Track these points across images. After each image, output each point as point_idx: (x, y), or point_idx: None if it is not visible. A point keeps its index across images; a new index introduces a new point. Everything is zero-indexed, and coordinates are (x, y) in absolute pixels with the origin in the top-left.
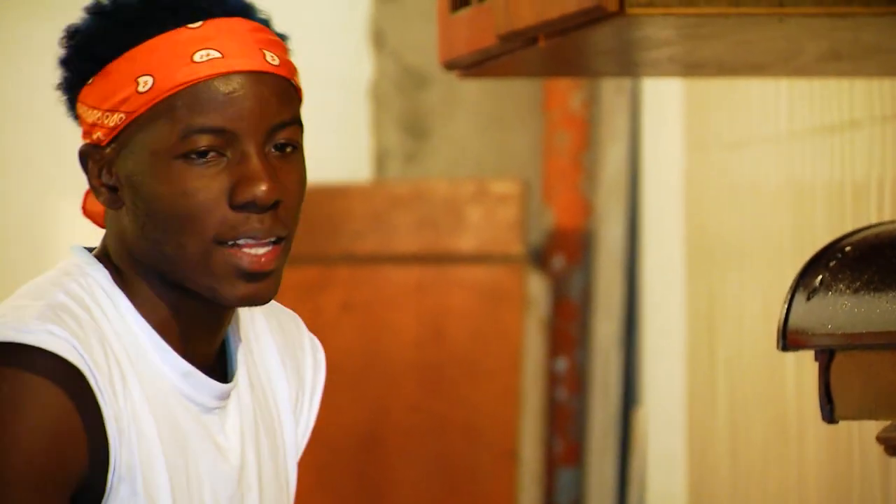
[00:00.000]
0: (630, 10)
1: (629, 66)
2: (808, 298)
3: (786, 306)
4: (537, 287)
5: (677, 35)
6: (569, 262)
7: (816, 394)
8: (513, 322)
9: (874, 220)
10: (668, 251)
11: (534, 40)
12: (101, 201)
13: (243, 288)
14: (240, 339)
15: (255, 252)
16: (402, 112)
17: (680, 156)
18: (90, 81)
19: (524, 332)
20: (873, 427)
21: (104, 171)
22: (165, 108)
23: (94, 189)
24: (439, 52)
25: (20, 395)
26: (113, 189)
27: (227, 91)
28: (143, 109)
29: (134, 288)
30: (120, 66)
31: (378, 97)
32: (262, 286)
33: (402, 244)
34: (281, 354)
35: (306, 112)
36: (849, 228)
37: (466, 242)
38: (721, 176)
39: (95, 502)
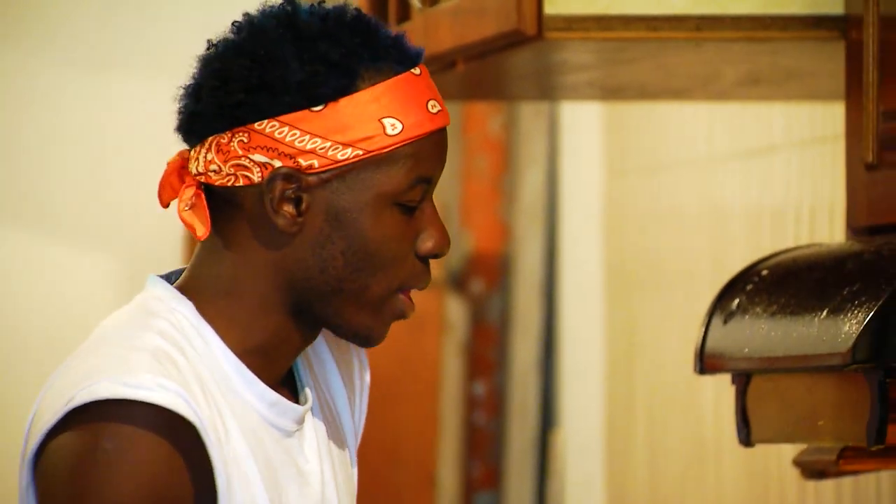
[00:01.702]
0: (548, 35)
1: (548, 90)
2: (726, 322)
3: (703, 330)
4: (456, 311)
5: (596, 59)
6: (487, 286)
7: (734, 417)
8: (432, 346)
9: (791, 244)
10: (587, 275)
11: (452, 64)
12: (279, 223)
13: (387, 330)
14: (303, 358)
15: (413, 300)
16: None
17: (598, 180)
18: (318, 109)
19: (443, 355)
20: (790, 450)
21: (297, 196)
22: (404, 154)
23: (273, 209)
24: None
25: (135, 452)
26: (296, 214)
27: (441, 144)
28: (381, 152)
29: (224, 315)
30: (360, 102)
31: None
32: None
33: None
34: (337, 363)
35: None
36: (767, 252)
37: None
38: (640, 200)
39: None
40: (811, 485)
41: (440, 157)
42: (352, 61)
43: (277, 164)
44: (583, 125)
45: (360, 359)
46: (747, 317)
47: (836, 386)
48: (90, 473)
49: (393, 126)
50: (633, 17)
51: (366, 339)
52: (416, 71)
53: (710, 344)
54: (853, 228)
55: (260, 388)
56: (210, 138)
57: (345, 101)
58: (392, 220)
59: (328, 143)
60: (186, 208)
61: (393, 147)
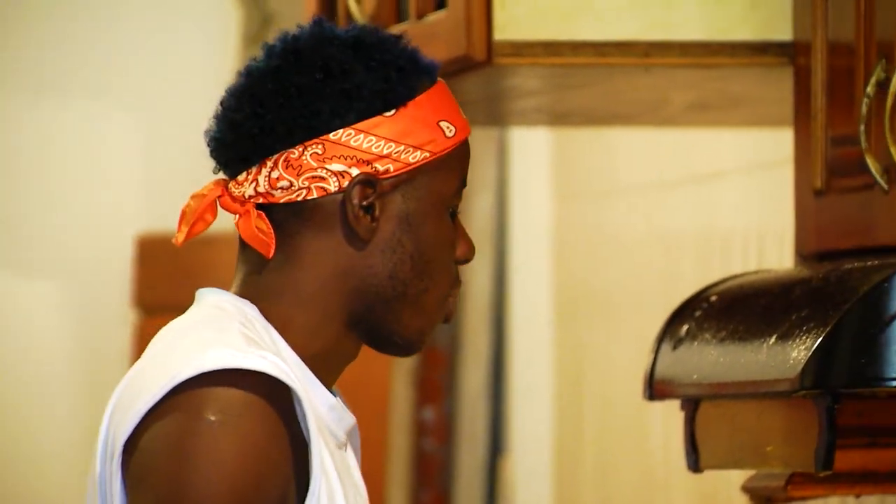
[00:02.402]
0: (497, 60)
1: (497, 116)
2: (675, 348)
3: (652, 356)
4: None
5: (545, 85)
6: None
7: (682, 443)
8: (380, 371)
9: (740, 270)
10: (536, 300)
11: None
12: (359, 229)
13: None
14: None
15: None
16: None
17: (548, 205)
18: (391, 114)
19: (392, 381)
20: (739, 476)
21: (372, 202)
22: (453, 157)
23: (354, 216)
24: None
25: (243, 421)
26: (370, 220)
27: (469, 150)
28: (443, 153)
29: (287, 321)
30: (422, 106)
31: None
32: None
33: None
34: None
35: (173, 160)
36: (716, 278)
37: None
38: (589, 226)
39: None
40: None
41: (468, 163)
42: (410, 66)
43: (355, 171)
44: (532, 151)
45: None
46: (696, 343)
47: (784, 412)
48: (195, 445)
49: (448, 128)
50: (582, 42)
51: (413, 346)
52: (442, 81)
53: (659, 370)
54: (801, 254)
55: (322, 388)
56: (275, 157)
57: (411, 105)
58: (447, 224)
59: (401, 147)
60: (255, 228)
61: (451, 149)
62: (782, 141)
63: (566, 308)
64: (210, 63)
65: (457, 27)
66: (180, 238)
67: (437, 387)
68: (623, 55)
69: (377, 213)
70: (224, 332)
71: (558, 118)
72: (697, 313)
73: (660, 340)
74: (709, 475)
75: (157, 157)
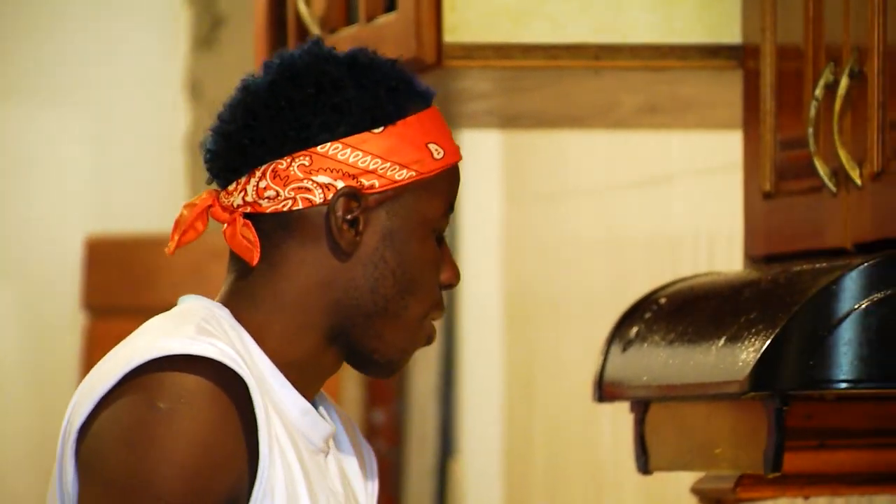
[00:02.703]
0: (448, 63)
1: (448, 118)
2: (624, 350)
3: (602, 358)
4: None
5: (495, 87)
6: None
7: (632, 445)
8: None
9: (690, 273)
10: (486, 303)
11: None
12: (342, 241)
13: (409, 360)
14: (321, 403)
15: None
16: None
17: (498, 208)
18: (378, 131)
19: (342, 383)
20: (688, 478)
21: (356, 216)
22: (441, 179)
23: (337, 228)
24: None
25: (192, 408)
26: (354, 234)
27: (459, 176)
28: (430, 174)
29: (262, 328)
30: (411, 125)
31: (195, 148)
32: None
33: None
34: (344, 424)
35: (123, 163)
36: (665, 280)
37: None
38: (539, 228)
39: None
40: None
41: (458, 188)
42: (402, 88)
43: (340, 184)
44: (482, 154)
45: (366, 445)
46: (646, 345)
47: (733, 414)
48: (145, 432)
49: (437, 151)
50: (533, 45)
51: (393, 365)
52: (434, 106)
53: (608, 372)
54: (751, 257)
55: (294, 393)
56: (263, 167)
57: (400, 125)
58: (431, 246)
59: (388, 164)
60: (241, 236)
61: (438, 171)
62: (732, 144)
63: (516, 310)
64: (160, 65)
65: (407, 29)
66: (172, 246)
67: (387, 389)
68: (573, 58)
69: (361, 227)
70: (182, 325)
71: (509, 121)
72: (647, 315)
73: (609, 342)
74: (658, 477)
75: (106, 159)
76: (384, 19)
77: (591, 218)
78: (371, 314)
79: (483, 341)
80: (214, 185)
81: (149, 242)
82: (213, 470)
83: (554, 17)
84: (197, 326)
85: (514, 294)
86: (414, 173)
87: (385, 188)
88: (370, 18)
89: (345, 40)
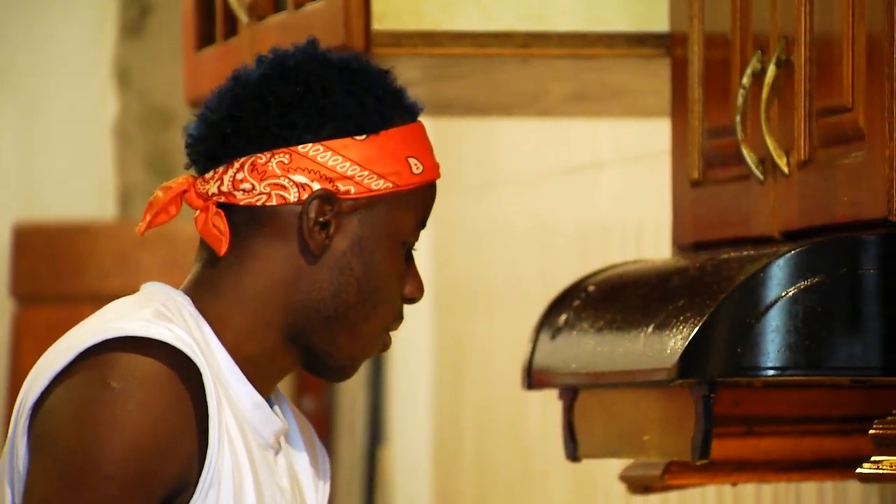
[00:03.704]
0: (376, 50)
1: None
2: (553, 338)
3: (531, 345)
4: None
5: (424, 75)
6: None
7: (561, 432)
8: None
9: (618, 260)
10: None
11: None
12: (311, 243)
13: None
14: (277, 403)
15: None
16: (148, 150)
17: None
18: (361, 138)
19: None
20: (617, 465)
21: (328, 219)
22: (416, 195)
23: (308, 230)
24: (185, 91)
25: (143, 390)
26: (324, 237)
27: (435, 194)
28: (406, 188)
29: (222, 319)
30: (394, 138)
31: (123, 135)
32: None
33: None
34: (301, 426)
35: (50, 150)
36: (594, 268)
37: None
38: (468, 216)
39: None
40: (637, 499)
41: (432, 206)
42: (389, 99)
43: (317, 186)
44: None
45: (321, 448)
46: (574, 332)
47: (661, 401)
48: (96, 411)
49: (416, 166)
50: (461, 33)
51: (344, 371)
52: (418, 122)
53: (537, 359)
54: (679, 244)
55: (248, 386)
56: (243, 159)
57: (383, 135)
58: (398, 258)
59: (366, 172)
60: (211, 225)
61: (415, 186)
62: (660, 132)
63: (445, 298)
64: (88, 53)
65: (335, 17)
66: (142, 227)
67: (316, 378)
68: (502, 46)
69: (332, 231)
70: (141, 309)
71: (438, 109)
72: (576, 303)
73: (538, 330)
74: (587, 464)
75: (33, 147)
76: (312, 6)
77: (520, 206)
78: (330, 318)
79: (412, 329)
80: (192, 171)
81: (77, 230)
82: (161, 452)
83: (482, 5)
84: (155, 311)
85: (443, 282)
86: (391, 185)
87: (360, 196)
88: (298, 6)
89: (272, 28)
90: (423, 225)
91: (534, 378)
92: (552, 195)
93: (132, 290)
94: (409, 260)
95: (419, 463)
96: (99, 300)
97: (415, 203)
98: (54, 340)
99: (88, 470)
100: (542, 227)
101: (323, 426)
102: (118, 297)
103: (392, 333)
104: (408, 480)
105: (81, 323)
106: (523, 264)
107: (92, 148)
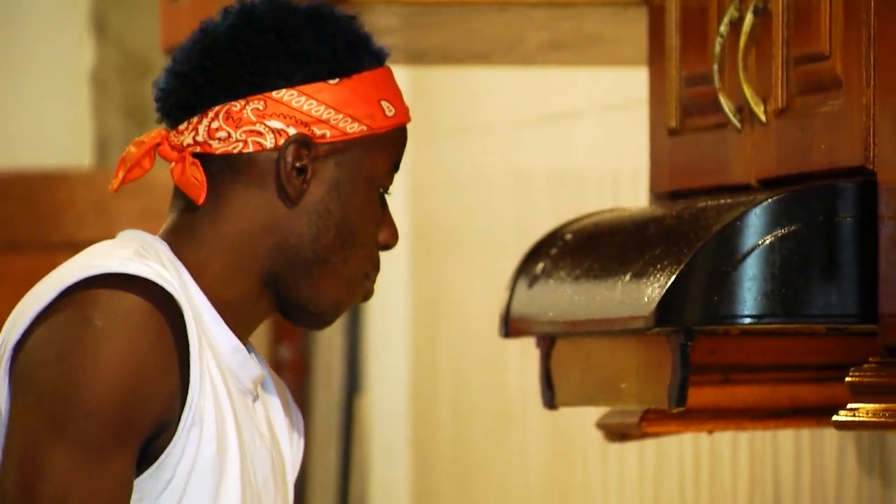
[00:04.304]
0: None
1: None
2: (530, 286)
3: (508, 294)
4: None
5: (401, 23)
6: None
7: (538, 381)
8: None
9: (595, 209)
10: None
11: None
12: (289, 188)
13: (342, 313)
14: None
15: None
16: (125, 99)
17: None
18: (334, 82)
19: None
20: (594, 413)
21: (305, 164)
22: (389, 138)
23: (285, 175)
24: (161, 39)
25: (126, 327)
26: (301, 182)
27: (406, 137)
28: (380, 131)
29: (200, 264)
30: (366, 81)
31: (100, 83)
32: None
33: None
34: (276, 385)
35: (27, 99)
36: (571, 217)
37: None
38: (445, 165)
39: (163, 446)
40: (614, 447)
41: (404, 150)
42: (359, 43)
43: (292, 130)
44: None
45: (295, 408)
46: (551, 281)
47: (638, 349)
48: (79, 348)
49: (388, 109)
50: None
51: (325, 317)
52: (387, 66)
53: (514, 308)
54: (656, 193)
55: (227, 331)
56: (217, 108)
57: (356, 79)
58: (374, 203)
59: (340, 116)
60: (190, 176)
61: (389, 128)
62: (637, 80)
63: (423, 247)
64: (64, 2)
65: None
66: (115, 183)
67: (293, 325)
68: None
69: (309, 175)
70: (120, 249)
71: (415, 57)
72: (553, 251)
73: (515, 278)
74: (564, 412)
75: (10, 95)
76: None
77: (497, 154)
78: (310, 263)
79: (390, 277)
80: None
81: (53, 178)
82: (144, 389)
83: None
84: (135, 251)
85: (420, 231)
86: (365, 128)
87: (336, 139)
88: None
89: None
90: (396, 169)
91: (511, 326)
92: (529, 144)
93: (109, 237)
94: (384, 206)
95: (396, 411)
96: (76, 248)
97: (388, 146)
98: (31, 288)
99: (72, 407)
100: (519, 175)
101: (300, 375)
102: (94, 244)
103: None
104: (385, 429)
105: (61, 265)
106: (500, 213)
107: (69, 96)
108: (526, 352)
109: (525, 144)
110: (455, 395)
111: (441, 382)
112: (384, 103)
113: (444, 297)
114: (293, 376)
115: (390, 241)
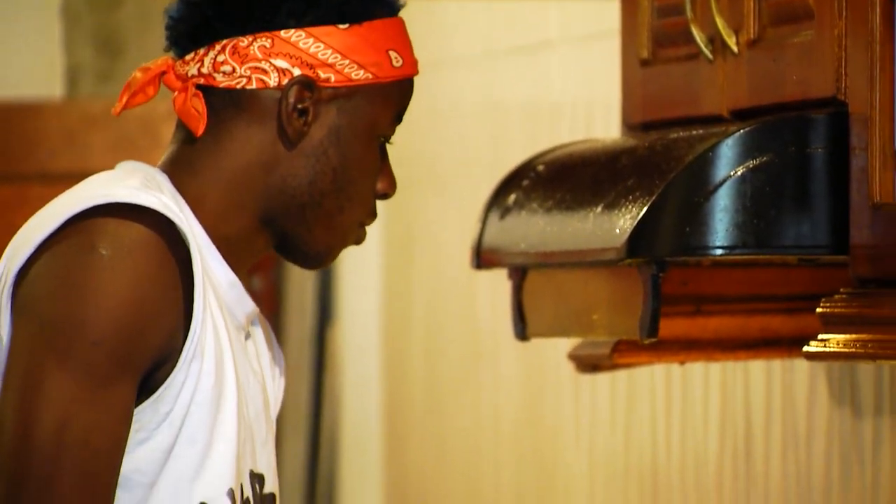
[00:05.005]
0: None
1: None
2: (502, 217)
3: (480, 225)
4: None
5: None
6: None
7: (510, 312)
8: None
9: (567, 140)
10: None
11: None
12: (289, 129)
13: (337, 257)
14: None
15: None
16: (95, 29)
17: None
18: (344, 27)
19: None
20: (566, 344)
21: (307, 106)
22: (395, 89)
23: (286, 115)
24: None
25: (133, 256)
26: (302, 123)
27: (412, 90)
28: (386, 81)
29: (199, 198)
30: (376, 29)
31: (70, 13)
32: None
33: (97, 163)
34: (262, 325)
35: None
36: (544, 148)
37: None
38: (418, 96)
39: (164, 378)
40: (586, 378)
41: (409, 101)
42: None
43: (297, 71)
44: None
45: (278, 348)
46: (523, 212)
47: (610, 281)
48: (84, 277)
49: (396, 59)
50: None
51: (319, 259)
52: (398, 17)
53: (486, 239)
54: (628, 124)
55: (224, 266)
56: (224, 41)
57: (366, 26)
58: (374, 151)
59: (346, 61)
60: (191, 107)
61: (395, 79)
62: (609, 11)
63: (396, 178)
64: None
65: None
66: (118, 107)
67: (265, 256)
68: None
69: (310, 118)
70: (126, 179)
71: None
72: (525, 183)
73: (487, 210)
74: (535, 343)
75: None
76: None
77: (470, 85)
78: (305, 206)
79: None
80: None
81: (24, 109)
82: (148, 319)
83: None
84: (141, 181)
85: (393, 162)
86: (371, 76)
87: (340, 84)
88: None
89: None
90: (399, 119)
91: (483, 258)
92: (502, 74)
93: (81, 169)
94: (384, 156)
95: (368, 342)
96: (47, 179)
97: (393, 97)
98: (4, 219)
99: (76, 336)
100: (492, 106)
101: (272, 305)
102: (67, 176)
103: None
104: (357, 360)
105: (63, 194)
106: (473, 144)
107: (39, 28)
108: (498, 283)
109: (498, 75)
110: (427, 325)
111: (413, 313)
112: (392, 53)
113: (416, 227)
114: (266, 307)
115: (388, 191)
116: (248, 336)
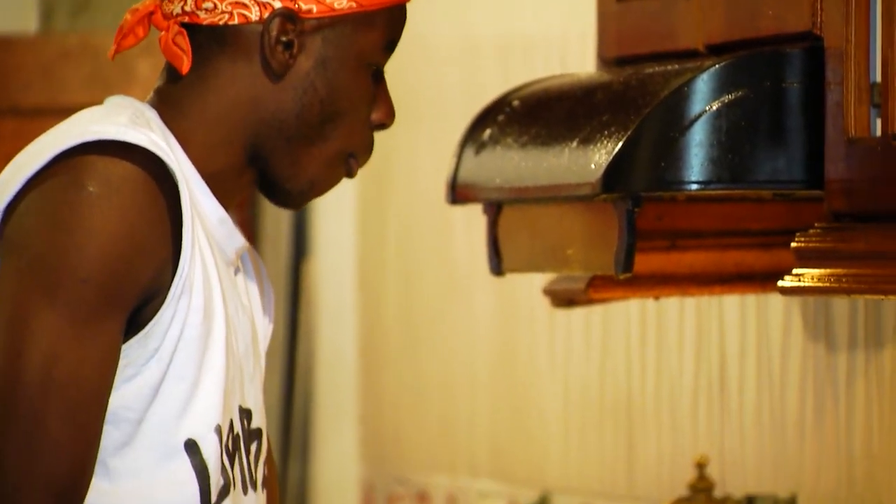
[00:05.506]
0: None
1: None
2: (477, 153)
3: (455, 161)
4: None
5: None
6: None
7: (485, 247)
8: None
9: (543, 75)
10: None
11: None
12: (273, 62)
13: (322, 193)
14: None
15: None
16: None
17: None
18: None
19: None
20: (541, 279)
21: (291, 38)
22: (382, 16)
23: (270, 48)
24: None
25: (121, 194)
26: (287, 56)
27: (405, 16)
28: (370, 9)
29: (187, 133)
30: None
31: None
32: None
33: (71, 98)
34: (252, 260)
35: None
36: (518, 83)
37: (137, 96)
38: None
39: (152, 314)
40: (561, 313)
41: (402, 29)
42: None
43: (278, 4)
44: None
45: (268, 283)
46: (499, 147)
47: (585, 216)
48: (72, 214)
49: None
50: None
51: (301, 196)
52: None
53: (461, 174)
54: (603, 59)
55: (214, 201)
56: None
57: None
58: (365, 81)
59: None
60: (173, 43)
61: (379, 6)
62: None
63: None
64: None
65: None
66: (112, 51)
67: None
68: None
69: (295, 50)
70: (115, 115)
71: None
72: (500, 118)
73: (462, 145)
74: (510, 278)
75: None
76: None
77: (444, 21)
78: (292, 138)
79: None
80: None
81: None
82: (136, 257)
83: None
84: (130, 118)
85: None
86: (354, 4)
87: (323, 15)
88: None
89: None
90: (391, 47)
91: (458, 193)
92: (476, 8)
93: (55, 103)
94: (379, 83)
95: (343, 276)
96: (20, 113)
97: (381, 24)
98: None
99: (64, 273)
100: (466, 41)
101: (247, 239)
102: (40, 110)
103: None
104: (332, 294)
105: (51, 130)
106: (447, 79)
107: None
108: (473, 218)
109: (471, 10)
110: (403, 260)
111: (388, 247)
112: None
113: (391, 162)
114: None
115: (385, 120)
116: (237, 271)
